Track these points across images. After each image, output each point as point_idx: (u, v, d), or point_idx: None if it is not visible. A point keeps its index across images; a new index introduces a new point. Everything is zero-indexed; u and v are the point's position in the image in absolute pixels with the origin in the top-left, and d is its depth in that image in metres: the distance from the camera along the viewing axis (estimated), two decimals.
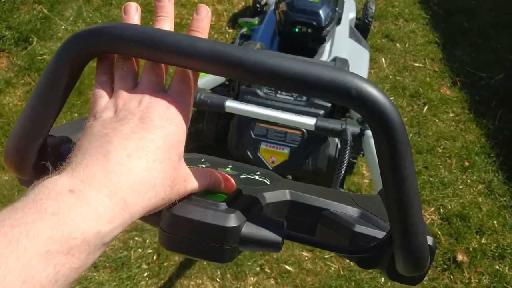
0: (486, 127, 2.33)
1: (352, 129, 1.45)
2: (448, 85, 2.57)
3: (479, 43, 2.77)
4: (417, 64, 2.69)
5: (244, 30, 2.38)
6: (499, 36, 2.80)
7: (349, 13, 2.48)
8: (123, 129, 0.38)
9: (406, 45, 2.79)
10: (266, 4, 2.62)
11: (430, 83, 2.58)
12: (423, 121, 2.39)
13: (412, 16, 2.95)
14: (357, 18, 2.71)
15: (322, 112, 1.77)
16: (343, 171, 1.05)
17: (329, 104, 1.78)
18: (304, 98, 1.81)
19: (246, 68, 0.40)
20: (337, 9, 2.11)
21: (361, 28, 2.69)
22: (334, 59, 1.93)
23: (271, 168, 1.73)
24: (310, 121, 1.49)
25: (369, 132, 1.50)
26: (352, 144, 1.35)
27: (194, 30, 0.48)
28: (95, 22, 2.83)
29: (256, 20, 2.32)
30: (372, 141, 1.46)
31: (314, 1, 2.02)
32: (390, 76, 2.62)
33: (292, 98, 1.82)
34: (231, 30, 2.85)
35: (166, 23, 0.49)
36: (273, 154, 1.74)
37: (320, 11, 1.97)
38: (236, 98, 1.85)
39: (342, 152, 1.21)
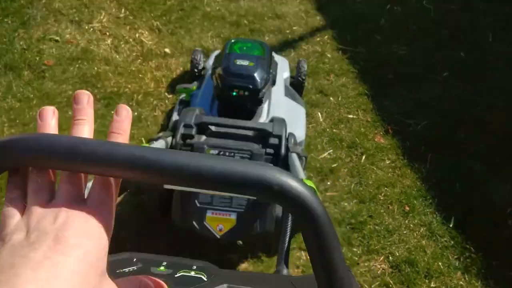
0: (419, 171, 2.47)
1: None
2: (382, 133, 2.72)
3: (405, 93, 2.99)
4: (351, 116, 2.83)
5: (183, 96, 2.40)
6: (420, 85, 3.05)
7: (283, 73, 2.60)
8: (33, 256, 0.34)
9: (339, 99, 2.94)
10: (204, 68, 2.68)
11: (365, 133, 2.71)
12: (363, 170, 2.48)
13: (342, 71, 3.14)
14: (291, 77, 2.84)
15: None
16: (286, 243, 1.03)
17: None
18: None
19: (166, 173, 0.39)
20: (271, 71, 2.21)
21: (296, 86, 2.81)
22: (272, 120, 1.99)
23: (219, 237, 1.69)
24: None
25: None
26: None
27: (114, 133, 0.47)
28: (26, 97, 2.74)
29: (194, 86, 2.36)
30: None
31: (249, 64, 2.11)
32: (327, 129, 2.73)
33: None
34: (170, 96, 2.87)
35: (85, 127, 0.48)
36: (220, 222, 1.71)
37: (255, 74, 2.06)
38: None
39: (285, 221, 1.11)
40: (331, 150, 2.61)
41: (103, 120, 2.65)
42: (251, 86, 2.04)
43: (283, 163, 1.81)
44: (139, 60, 3.07)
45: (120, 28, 3.24)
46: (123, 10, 3.37)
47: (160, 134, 1.95)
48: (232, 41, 2.32)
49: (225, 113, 2.22)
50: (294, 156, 1.74)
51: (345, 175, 2.48)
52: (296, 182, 0.40)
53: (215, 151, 1.84)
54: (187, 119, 1.91)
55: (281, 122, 1.94)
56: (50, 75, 2.88)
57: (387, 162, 2.54)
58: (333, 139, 2.67)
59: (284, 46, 3.30)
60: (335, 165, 2.51)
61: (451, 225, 2.23)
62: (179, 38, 3.23)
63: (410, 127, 2.76)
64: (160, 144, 1.72)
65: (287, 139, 1.91)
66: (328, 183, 2.44)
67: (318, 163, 2.52)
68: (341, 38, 3.38)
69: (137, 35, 3.21)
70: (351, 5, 3.69)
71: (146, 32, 3.25)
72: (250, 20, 3.42)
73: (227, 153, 1.84)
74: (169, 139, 1.88)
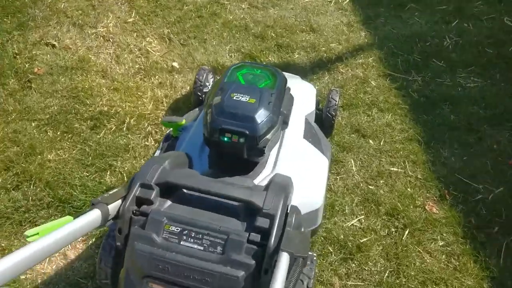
0: (488, 267, 1.75)
1: None
2: (435, 199, 2.02)
3: (471, 142, 2.26)
4: (395, 169, 2.15)
5: (170, 130, 1.86)
6: (495, 135, 2.30)
7: (306, 106, 1.99)
8: None
9: (381, 143, 2.27)
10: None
11: (412, 196, 2.03)
12: (404, 252, 1.81)
13: (388, 105, 2.47)
14: (318, 110, 2.22)
15: (242, 273, 1.20)
16: None
17: (253, 262, 1.21)
18: (219, 249, 1.25)
19: None
20: (281, 110, 1.61)
21: (324, 123, 2.18)
22: (270, 183, 1.41)
23: None
24: None
25: None
26: None
27: None
28: (5, 110, 2.31)
29: (183, 121, 1.81)
30: None
31: (248, 101, 1.53)
32: (361, 185, 2.07)
33: (201, 249, 1.26)
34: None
35: None
36: None
37: (256, 116, 1.49)
38: (124, 245, 1.30)
39: None
40: (363, 217, 1.95)
41: (83, 146, 2.16)
42: (247, 132, 1.47)
43: (271, 259, 1.22)
44: (141, 75, 2.57)
45: (126, 35, 2.76)
46: (133, 14, 2.88)
47: (110, 192, 1.41)
48: (237, 65, 1.75)
49: (216, 163, 1.64)
50: (283, 259, 1.14)
51: (378, 256, 1.81)
52: None
53: (176, 228, 1.28)
54: (147, 176, 1.36)
55: (281, 190, 1.35)
56: (37, 85, 2.45)
57: (440, 244, 1.85)
58: (367, 200, 2.01)
59: (316, 68, 2.67)
60: (365, 239, 1.86)
61: None
62: (191, 50, 2.69)
63: (479, 194, 2.04)
64: (86, 220, 1.17)
65: (285, 219, 1.31)
66: (353, 265, 1.79)
67: (342, 233, 1.88)
68: (390, 62, 2.70)
69: (143, 44, 2.71)
70: (407, 19, 2.99)
71: (155, 41, 2.74)
72: (279, 32, 2.82)
73: (192, 234, 1.28)
74: (116, 203, 1.34)
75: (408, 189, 2.06)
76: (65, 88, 2.44)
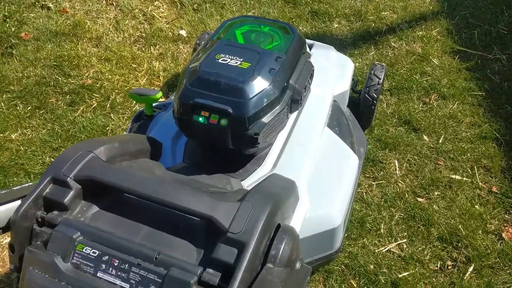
0: None
1: None
2: None
3: None
4: (457, 177, 1.53)
5: (143, 108, 1.38)
6: None
7: (337, 83, 1.44)
8: None
9: (440, 140, 1.65)
10: None
11: (482, 216, 1.40)
12: None
13: (453, 91, 1.83)
14: (355, 92, 1.66)
15: None
16: None
17: None
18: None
19: None
20: (290, 83, 1.09)
21: (360, 108, 1.61)
22: (253, 189, 0.90)
23: None
24: None
25: None
26: None
27: None
28: None
29: (158, 94, 1.31)
30: None
31: (240, 66, 1.02)
32: (406, 195, 1.47)
33: (127, 287, 0.79)
34: (162, 100, 1.86)
35: None
36: None
37: (246, 87, 1.01)
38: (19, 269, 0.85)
39: None
40: (405, 240, 1.36)
41: (54, 125, 1.75)
42: (230, 110, 1.01)
43: None
44: (140, 44, 2.13)
45: None
46: None
47: (10, 188, 0.96)
48: (235, 20, 1.26)
49: (193, 154, 1.16)
50: None
51: None
52: None
53: (93, 251, 0.81)
54: (64, 167, 0.90)
55: (265, 201, 0.86)
56: (19, 52, 2.09)
57: None
58: (413, 217, 1.41)
59: (359, 41, 2.08)
60: (405, 273, 1.27)
61: None
62: (204, 16, 2.21)
63: None
64: None
65: (267, 251, 0.79)
66: None
67: (373, 263, 1.30)
68: (463, 35, 2.05)
69: (150, 8, 2.27)
70: None
71: (164, 6, 2.29)
72: None
73: (116, 263, 0.80)
74: (10, 206, 0.90)
75: (476, 207, 1.43)
76: (49, 56, 2.06)
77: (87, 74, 1.98)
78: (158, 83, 1.95)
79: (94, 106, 1.84)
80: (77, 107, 1.84)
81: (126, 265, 0.82)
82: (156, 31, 2.15)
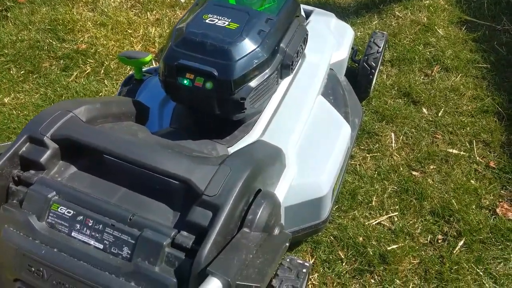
0: None
1: None
2: None
3: None
4: (454, 151, 1.48)
5: (132, 72, 1.35)
6: None
7: (333, 52, 1.39)
8: None
9: (440, 113, 1.60)
10: None
11: (477, 191, 1.36)
12: (452, 272, 1.18)
13: (457, 63, 1.76)
14: (354, 61, 1.60)
15: None
16: None
17: (174, 280, 0.70)
18: (125, 251, 0.74)
19: None
20: (281, 46, 1.04)
21: (358, 77, 1.56)
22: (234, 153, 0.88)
23: None
24: None
25: None
26: None
27: None
28: None
29: (148, 57, 1.27)
30: None
31: (228, 27, 0.98)
32: (401, 168, 1.44)
33: (100, 247, 0.76)
34: (154, 65, 1.82)
35: None
36: None
37: (233, 49, 0.96)
38: None
39: None
40: (396, 213, 1.33)
41: (47, 90, 1.73)
42: (215, 72, 0.95)
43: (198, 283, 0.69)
44: (136, 9, 2.07)
45: None
46: None
47: None
48: None
49: (181, 119, 1.13)
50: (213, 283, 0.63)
51: (412, 273, 1.21)
52: None
53: (68, 211, 0.79)
54: (41, 125, 0.88)
55: (245, 164, 0.85)
56: (14, 15, 2.05)
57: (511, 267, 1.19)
58: (407, 190, 1.38)
59: (361, 9, 2.02)
60: (394, 246, 1.25)
61: None
62: None
63: None
64: None
65: (244, 215, 0.77)
66: (371, 281, 1.20)
67: (362, 235, 1.28)
68: (471, 4, 1.97)
69: None
70: None
71: None
72: None
73: (90, 222, 0.79)
74: None
75: (472, 182, 1.39)
76: (43, 20, 2.02)
77: (82, 39, 1.94)
78: (154, 49, 1.91)
79: (88, 71, 1.81)
80: (71, 72, 1.81)
81: (100, 226, 0.81)
82: None
